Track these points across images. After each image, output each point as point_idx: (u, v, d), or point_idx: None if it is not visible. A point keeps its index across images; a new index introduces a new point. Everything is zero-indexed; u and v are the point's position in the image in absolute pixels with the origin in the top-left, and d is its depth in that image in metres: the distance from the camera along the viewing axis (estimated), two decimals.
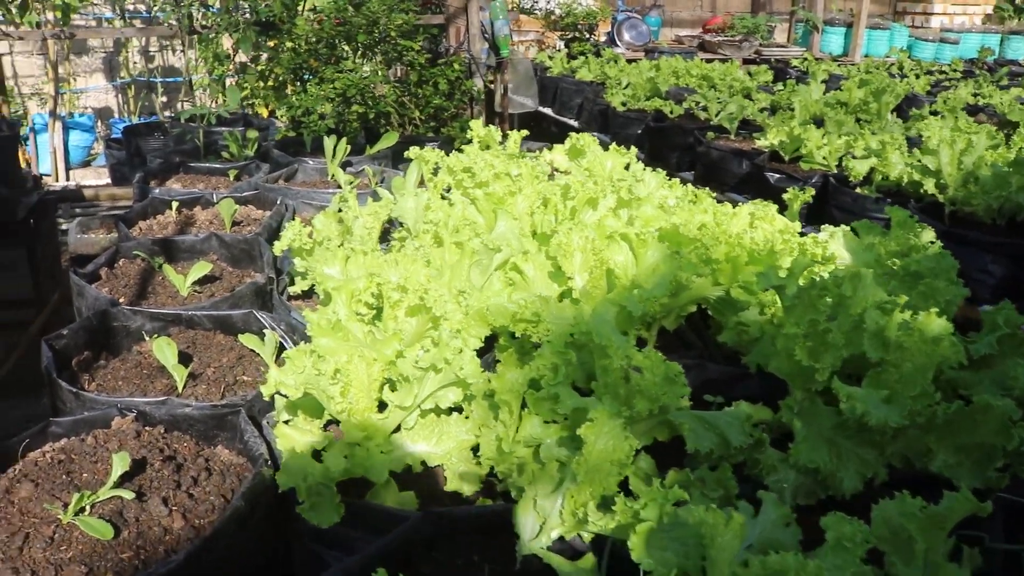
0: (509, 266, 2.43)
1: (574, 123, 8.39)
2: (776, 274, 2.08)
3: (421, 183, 3.73)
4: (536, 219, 2.87)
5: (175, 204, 3.86)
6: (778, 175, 4.97)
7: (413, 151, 3.83)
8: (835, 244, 2.63)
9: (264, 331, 2.34)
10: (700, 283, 2.28)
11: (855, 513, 1.49)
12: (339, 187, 4.06)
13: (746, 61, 11.28)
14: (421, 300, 1.90)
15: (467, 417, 1.86)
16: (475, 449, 1.87)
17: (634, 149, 4.24)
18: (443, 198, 3.14)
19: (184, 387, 2.28)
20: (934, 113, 6.62)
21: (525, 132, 4.58)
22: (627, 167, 3.88)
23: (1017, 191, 3.81)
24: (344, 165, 4.38)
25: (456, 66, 5.69)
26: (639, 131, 7.08)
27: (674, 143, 6.56)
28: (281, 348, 2.34)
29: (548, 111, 9.05)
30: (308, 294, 2.86)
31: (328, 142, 4.17)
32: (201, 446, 2.04)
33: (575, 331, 1.89)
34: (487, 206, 2.88)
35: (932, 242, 2.69)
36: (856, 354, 1.94)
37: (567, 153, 4.28)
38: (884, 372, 1.89)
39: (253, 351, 2.43)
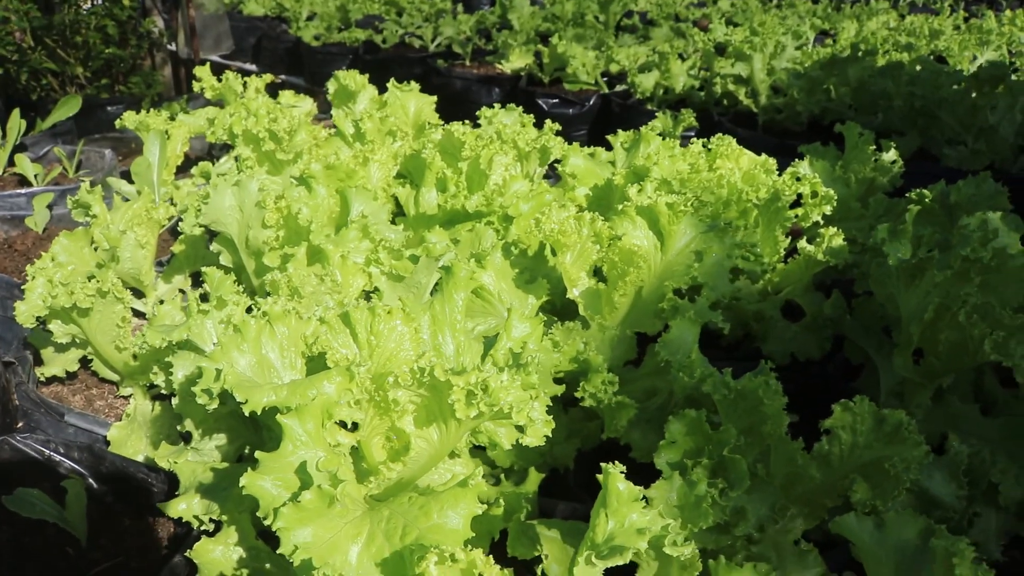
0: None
1: (251, 66, 7.16)
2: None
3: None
4: (404, 195, 1.98)
5: None
6: (552, 100, 4.37)
7: (129, 118, 2.68)
8: (807, 173, 2.08)
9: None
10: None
11: None
12: (24, 184, 2.76)
13: None
14: (468, 391, 1.00)
15: None
16: None
17: (415, 84, 3.44)
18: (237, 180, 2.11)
19: None
20: (650, 23, 6.43)
21: (270, 77, 3.52)
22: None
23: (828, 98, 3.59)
24: (14, 149, 3.00)
25: (125, 2, 4.28)
26: (345, 67, 6.10)
27: (398, 76, 5.68)
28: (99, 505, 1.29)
29: (211, 56, 7.67)
30: (71, 375, 1.73)
31: None
32: None
33: (683, 377, 1.14)
34: (328, 182, 1.94)
35: (894, 162, 2.25)
36: None
37: (332, 98, 3.32)
38: None
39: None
